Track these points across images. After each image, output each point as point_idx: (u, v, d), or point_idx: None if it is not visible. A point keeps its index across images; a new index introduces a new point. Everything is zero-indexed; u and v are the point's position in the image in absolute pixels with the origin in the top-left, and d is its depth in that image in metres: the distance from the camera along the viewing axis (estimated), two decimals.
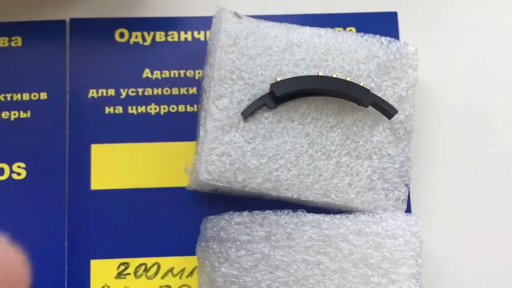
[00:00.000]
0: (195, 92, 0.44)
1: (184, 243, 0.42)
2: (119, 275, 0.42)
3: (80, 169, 0.43)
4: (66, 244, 0.41)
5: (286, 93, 0.40)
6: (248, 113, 0.40)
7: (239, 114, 0.40)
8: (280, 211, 0.40)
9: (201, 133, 0.40)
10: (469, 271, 0.43)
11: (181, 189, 0.42)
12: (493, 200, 0.44)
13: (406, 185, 0.41)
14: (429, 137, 0.45)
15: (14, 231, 0.40)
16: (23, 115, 0.43)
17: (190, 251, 0.41)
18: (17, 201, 0.42)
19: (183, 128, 0.43)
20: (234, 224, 0.39)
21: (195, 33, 0.45)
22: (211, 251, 0.39)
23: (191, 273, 0.42)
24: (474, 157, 0.45)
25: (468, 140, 0.45)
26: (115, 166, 0.43)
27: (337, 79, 0.40)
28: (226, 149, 0.39)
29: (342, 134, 0.41)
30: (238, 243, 0.39)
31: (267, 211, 0.40)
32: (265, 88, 0.41)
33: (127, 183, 0.43)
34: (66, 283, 0.41)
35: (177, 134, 0.43)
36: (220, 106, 0.40)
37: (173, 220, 0.42)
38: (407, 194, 0.41)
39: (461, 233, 0.43)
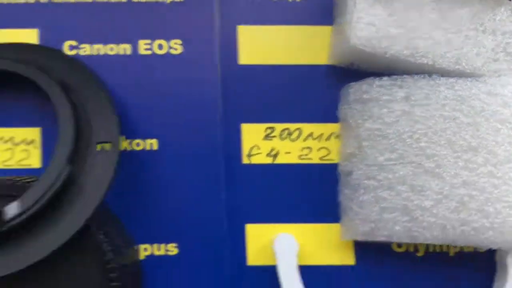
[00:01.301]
0: None
1: (322, 112, 0.47)
2: (267, 137, 0.47)
3: (229, 48, 0.48)
4: (219, 109, 0.47)
5: None
6: None
7: None
8: (417, 76, 0.45)
9: (350, 3, 0.45)
10: None
11: (320, 66, 0.48)
12: None
13: None
14: None
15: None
16: None
17: (328, 119, 0.47)
18: (175, 76, 0.47)
19: (321, 13, 0.49)
20: (376, 87, 0.45)
21: None
22: (355, 111, 0.45)
23: (328, 138, 0.47)
24: None
25: None
26: (260, 45, 0.48)
27: None
28: (371, 20, 0.45)
29: (470, 11, 0.46)
30: (381, 102, 0.44)
31: (405, 75, 0.45)
32: None
33: (271, 60, 0.48)
34: (222, 144, 0.46)
35: (315, 19, 0.49)
36: None
37: (313, 92, 0.48)
38: None
39: None
